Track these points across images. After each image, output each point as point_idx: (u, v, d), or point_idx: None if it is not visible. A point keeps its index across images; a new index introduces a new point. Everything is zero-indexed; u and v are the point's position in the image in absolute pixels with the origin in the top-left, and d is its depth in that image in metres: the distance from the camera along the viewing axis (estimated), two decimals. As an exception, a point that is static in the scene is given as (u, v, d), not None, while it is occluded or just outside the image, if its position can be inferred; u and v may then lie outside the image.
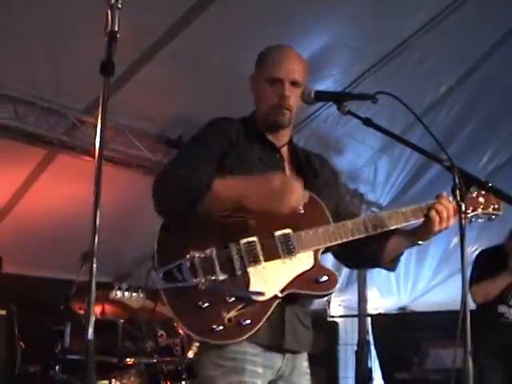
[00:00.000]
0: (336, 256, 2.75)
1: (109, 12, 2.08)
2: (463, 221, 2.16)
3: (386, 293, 9.24)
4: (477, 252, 8.05)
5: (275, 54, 2.71)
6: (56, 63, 4.94)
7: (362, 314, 8.05)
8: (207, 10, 4.78)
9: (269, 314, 2.38)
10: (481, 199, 2.68)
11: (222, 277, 2.36)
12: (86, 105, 5.36)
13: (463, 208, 2.17)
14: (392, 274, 8.91)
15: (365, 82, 5.92)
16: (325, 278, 2.46)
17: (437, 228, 2.54)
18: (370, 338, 7.79)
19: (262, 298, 2.37)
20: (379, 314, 8.30)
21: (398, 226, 2.58)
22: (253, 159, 2.58)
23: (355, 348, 7.75)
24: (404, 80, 5.90)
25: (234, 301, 2.36)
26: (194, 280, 2.34)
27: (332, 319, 8.27)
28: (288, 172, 2.67)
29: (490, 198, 2.66)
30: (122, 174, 5.75)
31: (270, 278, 2.41)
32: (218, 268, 2.37)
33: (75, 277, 5.43)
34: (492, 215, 2.73)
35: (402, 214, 2.57)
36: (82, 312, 5.09)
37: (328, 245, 2.51)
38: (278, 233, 2.45)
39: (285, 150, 2.73)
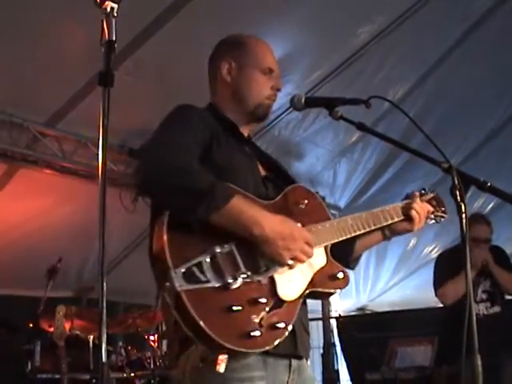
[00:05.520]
0: None
1: (104, 21, 2.01)
2: (464, 221, 2.18)
3: (344, 294, 9.35)
4: (435, 251, 8.34)
5: (261, 44, 2.54)
6: (16, 76, 4.84)
7: (326, 316, 8.09)
8: (170, 21, 4.77)
9: (296, 315, 2.16)
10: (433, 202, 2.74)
11: (248, 274, 2.08)
12: (47, 117, 5.27)
13: (463, 209, 2.18)
14: (352, 275, 9.02)
15: (324, 88, 5.97)
16: (341, 274, 2.30)
17: (416, 227, 2.58)
18: (336, 340, 7.84)
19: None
20: (344, 316, 8.35)
21: (385, 224, 2.55)
22: (238, 157, 2.35)
23: (321, 351, 7.79)
24: (363, 85, 5.98)
25: (263, 302, 2.08)
26: (225, 279, 2.02)
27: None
28: (260, 169, 2.43)
29: (439, 202, 2.74)
30: (86, 187, 5.65)
31: (293, 277, 2.18)
32: (242, 265, 2.07)
33: (41, 293, 5.33)
34: (441, 217, 2.79)
35: (387, 212, 2.54)
36: (51, 330, 4.98)
37: (338, 240, 2.35)
38: None
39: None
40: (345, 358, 7.50)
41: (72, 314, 5.03)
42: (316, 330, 8.18)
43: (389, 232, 2.61)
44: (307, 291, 2.22)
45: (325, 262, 2.30)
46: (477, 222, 5.00)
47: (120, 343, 5.94)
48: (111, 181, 5.82)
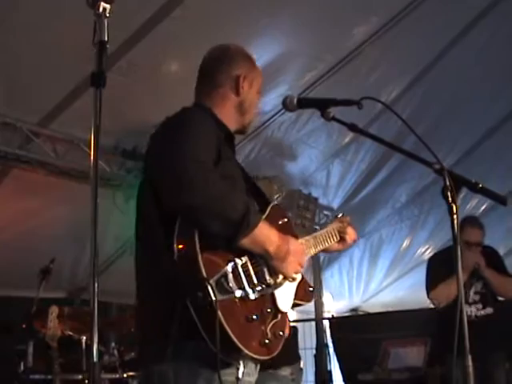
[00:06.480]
0: None
1: (97, 21, 2.01)
2: (455, 222, 2.19)
3: (338, 296, 9.37)
4: (428, 251, 8.35)
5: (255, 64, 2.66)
6: (9, 76, 4.82)
7: (319, 317, 8.09)
8: (163, 21, 4.77)
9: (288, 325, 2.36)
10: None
11: (262, 287, 2.24)
12: (40, 117, 5.27)
13: (454, 210, 2.19)
14: (345, 276, 9.07)
15: (318, 88, 5.97)
16: (311, 288, 2.55)
17: (344, 248, 2.98)
18: (328, 341, 7.84)
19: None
20: (337, 317, 8.36)
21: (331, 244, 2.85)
22: (235, 167, 2.44)
23: (314, 352, 7.79)
24: (357, 86, 5.98)
25: (268, 312, 2.25)
26: (246, 290, 2.16)
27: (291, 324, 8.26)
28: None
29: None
30: (79, 187, 5.63)
31: (286, 289, 2.37)
32: (254, 277, 2.21)
33: (34, 294, 5.31)
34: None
35: (330, 233, 2.84)
36: (44, 330, 4.95)
37: (308, 256, 2.60)
38: None
39: None
40: (337, 358, 7.51)
41: (65, 315, 5.02)
42: (309, 330, 8.19)
43: (321, 250, 2.82)
44: (293, 303, 2.42)
45: (300, 276, 2.48)
46: (469, 225, 5.02)
47: (113, 344, 5.92)
48: (104, 181, 5.83)
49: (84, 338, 5.16)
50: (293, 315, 8.86)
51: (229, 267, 2.13)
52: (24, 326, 5.10)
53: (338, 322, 8.11)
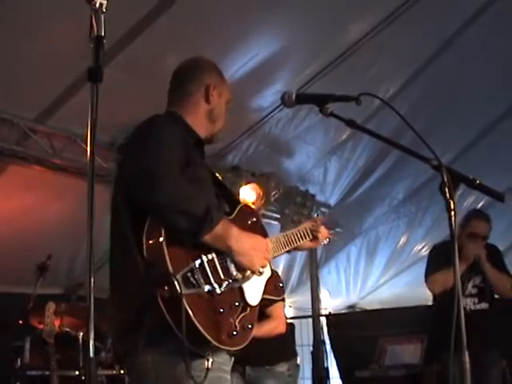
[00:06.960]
0: None
1: (93, 17, 2.01)
2: (452, 218, 2.19)
3: (335, 293, 9.38)
4: (425, 249, 8.35)
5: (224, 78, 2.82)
6: (6, 72, 4.81)
7: (316, 314, 8.10)
8: (160, 17, 4.76)
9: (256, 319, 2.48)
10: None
11: (228, 281, 2.34)
12: (37, 113, 5.26)
13: (452, 206, 2.19)
14: (342, 274, 9.08)
15: (315, 85, 5.96)
16: (281, 284, 2.71)
17: (318, 246, 3.11)
18: (326, 338, 7.85)
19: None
20: (334, 314, 8.37)
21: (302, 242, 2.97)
22: (205, 171, 2.58)
23: (311, 349, 7.80)
24: (355, 82, 5.96)
25: (237, 306, 2.37)
26: (213, 285, 2.26)
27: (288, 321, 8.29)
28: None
29: (333, 224, 3.11)
30: (76, 183, 5.62)
31: (255, 284, 2.49)
32: (221, 273, 2.31)
33: (31, 290, 5.32)
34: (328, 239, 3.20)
35: (303, 232, 2.96)
36: (41, 327, 4.96)
37: (278, 254, 2.77)
38: None
39: None
40: (334, 355, 7.53)
41: (62, 311, 5.04)
42: (306, 327, 8.22)
43: (293, 248, 2.95)
44: (262, 298, 2.54)
45: (270, 273, 2.63)
46: (477, 217, 5.07)
47: (109, 340, 5.93)
48: (101, 178, 5.81)
49: (81, 334, 5.18)
50: (290, 312, 8.94)
51: (196, 263, 2.24)
52: (21, 322, 5.12)
53: (335, 318, 8.12)
